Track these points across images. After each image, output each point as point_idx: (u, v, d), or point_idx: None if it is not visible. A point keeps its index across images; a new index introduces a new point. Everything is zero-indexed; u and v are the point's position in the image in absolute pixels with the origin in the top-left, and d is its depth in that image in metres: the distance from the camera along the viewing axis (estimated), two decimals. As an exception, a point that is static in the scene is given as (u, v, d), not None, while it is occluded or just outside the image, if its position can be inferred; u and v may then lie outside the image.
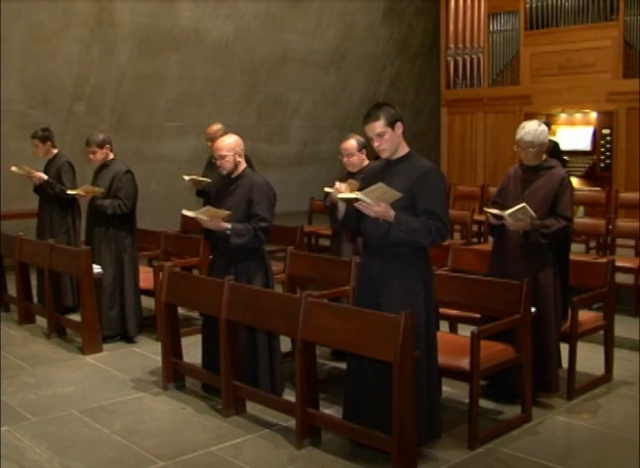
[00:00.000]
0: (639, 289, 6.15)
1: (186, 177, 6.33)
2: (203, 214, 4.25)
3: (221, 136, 4.75)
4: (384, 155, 3.57)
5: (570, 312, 4.36)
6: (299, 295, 3.86)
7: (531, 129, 4.21)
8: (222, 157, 4.33)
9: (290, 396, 4.02)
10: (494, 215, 4.18)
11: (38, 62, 8.42)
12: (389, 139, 3.50)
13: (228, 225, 4.24)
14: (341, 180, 3.93)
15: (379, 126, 3.48)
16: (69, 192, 5.96)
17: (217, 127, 6.28)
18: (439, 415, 3.66)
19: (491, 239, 4.83)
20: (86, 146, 5.75)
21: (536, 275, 4.10)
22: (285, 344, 4.84)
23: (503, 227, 4.24)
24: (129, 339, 5.68)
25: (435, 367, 3.61)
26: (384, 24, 11.75)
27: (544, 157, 4.31)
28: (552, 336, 4.20)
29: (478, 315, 4.38)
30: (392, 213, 3.37)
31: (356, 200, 3.38)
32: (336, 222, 3.83)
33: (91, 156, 5.73)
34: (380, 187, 3.37)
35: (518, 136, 4.23)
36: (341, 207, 3.62)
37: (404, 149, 3.58)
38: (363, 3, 11.22)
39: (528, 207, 4.02)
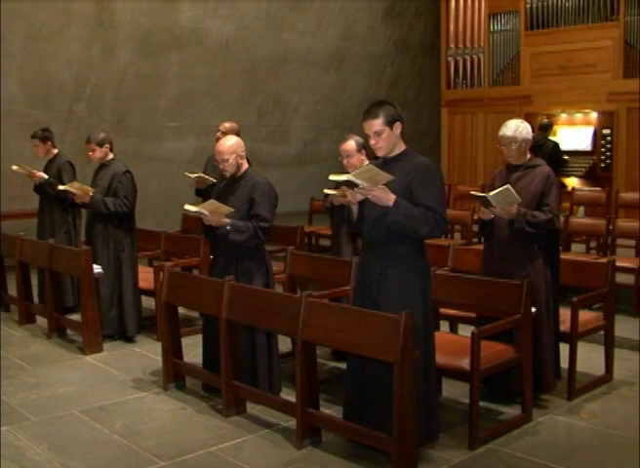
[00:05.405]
0: (639, 289, 6.15)
1: (192, 175, 6.33)
2: (205, 209, 4.25)
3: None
4: (380, 153, 3.56)
5: (561, 312, 4.37)
6: (299, 295, 3.86)
7: (512, 125, 4.26)
8: (224, 160, 4.33)
9: (290, 396, 4.02)
10: (481, 203, 4.17)
11: (38, 62, 8.42)
12: (386, 138, 3.49)
13: (228, 221, 4.24)
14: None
15: (377, 124, 3.46)
16: (60, 187, 5.95)
17: (228, 124, 6.29)
18: (436, 416, 3.65)
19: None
20: (86, 144, 5.76)
21: (527, 275, 4.10)
22: (285, 344, 4.85)
23: (493, 226, 4.26)
24: (128, 339, 5.68)
25: (432, 367, 3.59)
26: (385, 24, 11.76)
27: (529, 156, 4.33)
28: (546, 336, 4.21)
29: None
30: (392, 196, 3.36)
31: (347, 182, 3.37)
32: (350, 225, 3.82)
33: (90, 154, 5.74)
34: (370, 169, 3.37)
35: (500, 133, 4.28)
36: (355, 209, 3.62)
37: (400, 148, 3.57)
38: (363, 3, 11.22)
39: (512, 189, 4.03)
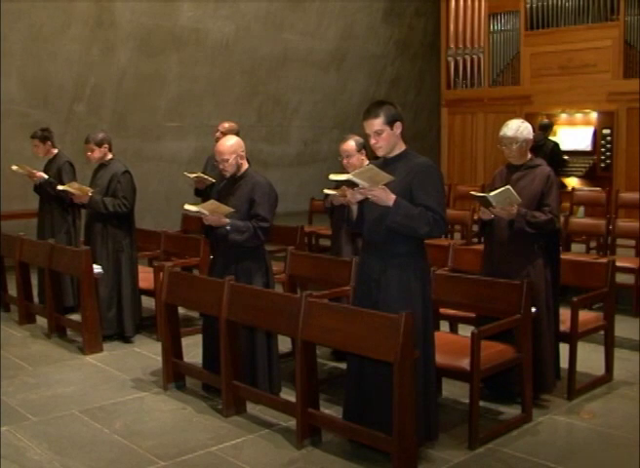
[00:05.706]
0: (639, 289, 6.15)
1: (191, 175, 6.33)
2: (205, 209, 4.25)
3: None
4: (379, 153, 3.57)
5: (561, 312, 4.38)
6: (299, 295, 3.86)
7: (513, 125, 4.27)
8: (225, 160, 4.33)
9: (290, 396, 4.02)
10: (481, 203, 4.18)
11: (38, 62, 8.42)
12: (386, 138, 3.49)
13: (228, 221, 4.24)
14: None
15: (377, 123, 3.47)
16: (59, 187, 5.95)
17: (228, 124, 6.28)
18: (436, 416, 3.65)
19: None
20: (85, 144, 5.76)
21: (527, 275, 4.10)
22: (285, 344, 4.85)
23: (493, 226, 4.27)
24: (126, 339, 5.68)
25: (432, 367, 3.59)
26: (385, 24, 11.76)
27: (530, 156, 4.34)
28: (546, 336, 4.21)
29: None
30: (392, 196, 3.37)
31: (348, 182, 3.37)
32: (349, 225, 3.82)
33: (88, 154, 5.74)
34: (370, 169, 3.38)
35: (501, 133, 4.28)
36: (354, 209, 3.62)
37: (400, 148, 3.57)
38: (363, 3, 11.23)
39: (512, 189, 4.04)
